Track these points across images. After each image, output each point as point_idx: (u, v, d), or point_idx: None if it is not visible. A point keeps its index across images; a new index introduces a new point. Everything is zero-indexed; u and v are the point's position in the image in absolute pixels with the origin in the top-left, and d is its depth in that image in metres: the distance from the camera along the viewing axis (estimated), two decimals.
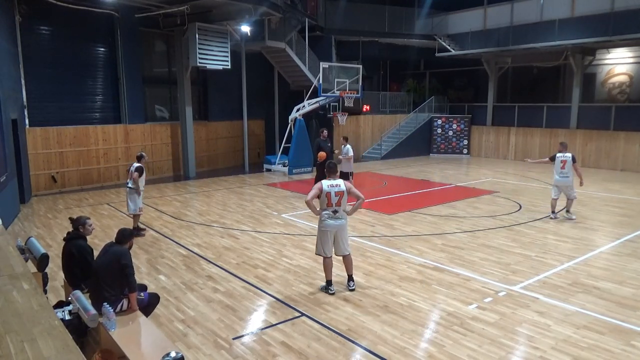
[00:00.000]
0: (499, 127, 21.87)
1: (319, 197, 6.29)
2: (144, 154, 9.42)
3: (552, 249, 8.27)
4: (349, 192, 6.31)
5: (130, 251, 4.93)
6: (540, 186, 14.45)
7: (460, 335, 5.18)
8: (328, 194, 6.22)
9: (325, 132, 13.11)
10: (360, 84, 17.71)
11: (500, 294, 6.34)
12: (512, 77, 23.19)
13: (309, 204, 6.27)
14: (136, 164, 9.05)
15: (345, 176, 11.89)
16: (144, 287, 5.40)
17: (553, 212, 10.31)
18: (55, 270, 6.69)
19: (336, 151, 12.52)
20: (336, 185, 6.27)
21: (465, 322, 5.51)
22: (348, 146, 12.20)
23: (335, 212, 6.26)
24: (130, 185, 9.02)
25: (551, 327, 5.36)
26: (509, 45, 19.39)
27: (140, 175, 8.96)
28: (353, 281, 6.52)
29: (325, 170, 6.64)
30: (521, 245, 8.50)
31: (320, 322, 5.53)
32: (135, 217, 9.27)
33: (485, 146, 22.37)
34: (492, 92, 22.21)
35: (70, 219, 5.45)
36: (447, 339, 5.12)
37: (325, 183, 6.29)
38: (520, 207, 11.58)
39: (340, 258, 6.52)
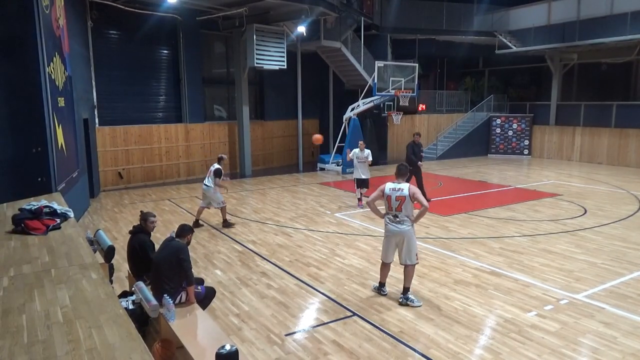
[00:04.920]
0: (563, 127, 20.80)
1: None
2: (224, 156, 9.79)
3: (621, 256, 7.79)
4: (412, 197, 5.84)
5: (189, 246, 5.12)
6: (608, 189, 13.63)
7: (518, 343, 4.99)
8: (388, 197, 5.91)
9: (418, 137, 12.33)
10: (416, 82, 17.42)
11: (562, 302, 6.05)
12: (578, 74, 21.99)
13: (370, 205, 6.10)
14: (216, 166, 9.46)
15: (365, 183, 11.41)
16: (201, 281, 5.59)
17: None
18: (120, 261, 7.06)
19: (420, 163, 11.86)
20: (398, 189, 5.88)
21: (524, 329, 5.30)
22: (368, 150, 11.51)
23: (395, 217, 5.92)
24: (207, 183, 9.45)
25: (618, 340, 5.05)
26: (575, 40, 18.40)
27: (219, 177, 9.38)
28: (405, 295, 6.01)
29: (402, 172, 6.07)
30: (586, 251, 8.06)
31: (372, 322, 5.50)
32: (222, 210, 9.76)
33: (548, 147, 21.36)
34: (555, 90, 21.15)
35: (141, 212, 5.75)
36: (504, 346, 4.95)
37: (389, 186, 5.96)
38: (586, 211, 10.98)
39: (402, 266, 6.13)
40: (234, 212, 11.09)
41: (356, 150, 11.53)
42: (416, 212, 5.97)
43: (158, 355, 4.35)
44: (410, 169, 11.32)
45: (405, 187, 5.88)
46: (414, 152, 11.90)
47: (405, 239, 5.92)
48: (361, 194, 11.55)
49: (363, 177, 11.36)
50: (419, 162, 11.86)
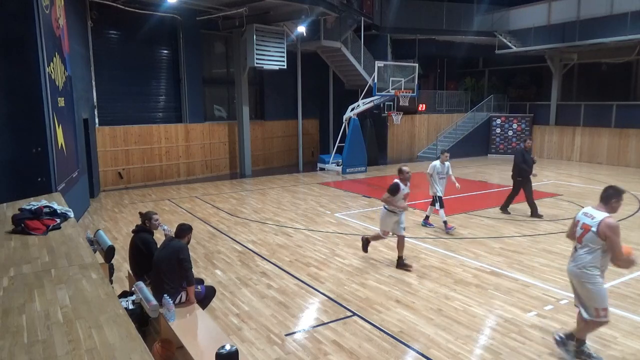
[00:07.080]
0: (563, 127, 20.82)
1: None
2: (404, 168, 7.25)
3: None
4: (600, 234, 4.32)
5: (189, 246, 5.11)
6: None
7: (518, 344, 4.99)
8: (577, 222, 4.63)
9: (530, 142, 10.75)
10: (416, 82, 17.42)
11: (563, 302, 6.04)
12: (578, 74, 22.00)
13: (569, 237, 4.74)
14: (395, 180, 7.18)
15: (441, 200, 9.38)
16: (200, 281, 5.59)
17: None
18: (120, 261, 7.06)
19: (533, 174, 10.29)
20: (590, 216, 4.48)
21: (524, 329, 5.30)
22: (448, 163, 9.60)
23: (574, 249, 4.62)
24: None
25: (618, 340, 5.05)
26: (575, 40, 18.41)
27: (392, 195, 6.99)
28: (579, 346, 4.67)
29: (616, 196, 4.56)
30: None
31: (372, 322, 5.50)
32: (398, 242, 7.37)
33: (548, 147, 21.38)
34: (556, 90, 21.17)
35: (140, 213, 5.74)
36: (504, 346, 4.94)
37: (585, 209, 4.65)
38: None
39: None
40: (233, 212, 11.09)
41: (436, 163, 9.39)
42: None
43: (158, 355, 4.35)
44: (519, 180, 10.31)
45: (599, 217, 4.39)
46: (524, 159, 10.23)
47: (575, 281, 4.59)
48: (430, 213, 9.76)
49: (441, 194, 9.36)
50: (532, 174, 10.26)
